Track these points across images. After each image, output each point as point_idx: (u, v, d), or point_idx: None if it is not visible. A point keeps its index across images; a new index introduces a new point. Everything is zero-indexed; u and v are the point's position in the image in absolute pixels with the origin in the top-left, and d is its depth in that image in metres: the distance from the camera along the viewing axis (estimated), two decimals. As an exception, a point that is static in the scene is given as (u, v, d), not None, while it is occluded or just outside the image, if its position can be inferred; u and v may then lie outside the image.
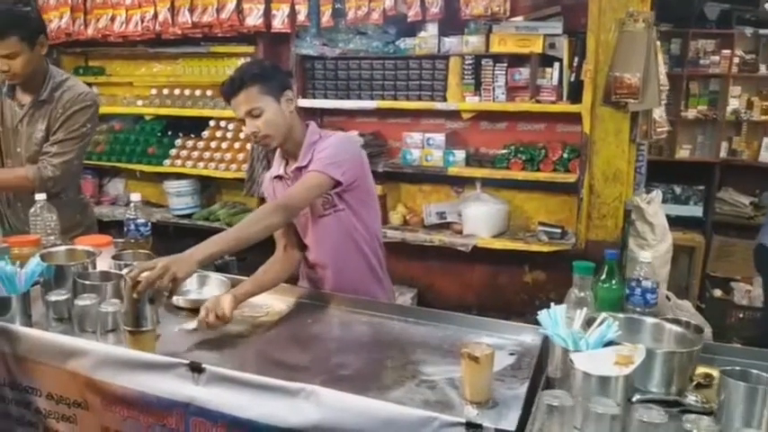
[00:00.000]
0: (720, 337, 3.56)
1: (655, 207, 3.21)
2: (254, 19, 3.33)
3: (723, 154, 5.05)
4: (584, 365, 1.34)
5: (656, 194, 3.26)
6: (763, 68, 4.99)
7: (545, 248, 3.17)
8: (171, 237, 4.05)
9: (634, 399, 1.38)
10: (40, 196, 2.18)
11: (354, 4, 3.15)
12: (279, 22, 3.31)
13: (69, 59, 4.37)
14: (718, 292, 4.73)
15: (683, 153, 5.13)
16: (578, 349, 1.42)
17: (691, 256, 4.85)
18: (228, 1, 3.36)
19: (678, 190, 5.17)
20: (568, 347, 1.44)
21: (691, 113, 5.06)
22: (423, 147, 3.39)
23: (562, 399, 1.21)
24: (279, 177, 2.10)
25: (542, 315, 1.52)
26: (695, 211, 5.13)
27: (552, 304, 1.53)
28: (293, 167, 2.04)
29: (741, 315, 4.54)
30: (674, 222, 3.55)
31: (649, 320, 1.66)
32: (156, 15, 3.57)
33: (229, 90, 1.93)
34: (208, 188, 4.15)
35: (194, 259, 1.66)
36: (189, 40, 3.73)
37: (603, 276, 1.80)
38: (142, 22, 3.62)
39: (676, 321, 1.66)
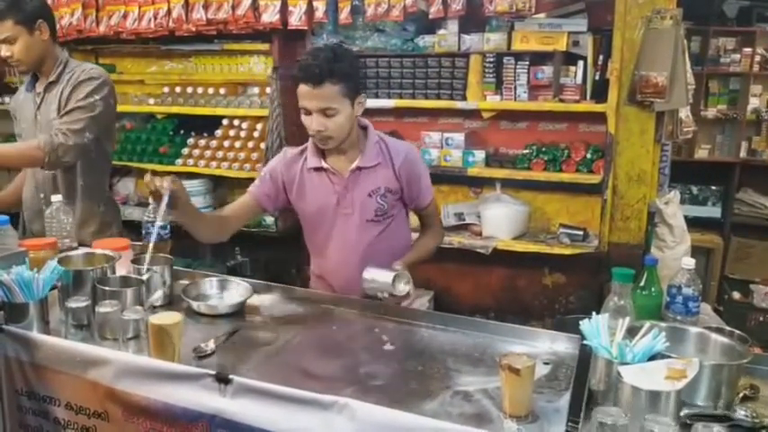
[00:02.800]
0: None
1: (673, 208, 3.13)
2: (270, 15, 3.26)
3: (743, 154, 4.98)
4: (633, 379, 1.27)
5: (675, 195, 3.18)
6: (783, 67, 4.91)
7: (566, 251, 3.10)
8: (182, 236, 3.99)
9: (682, 413, 1.32)
10: (56, 197, 2.13)
11: (374, 1, 3.08)
12: (296, 19, 3.24)
13: (79, 57, 4.28)
14: (736, 295, 4.68)
15: (701, 153, 5.05)
16: (624, 361, 1.36)
17: (708, 258, 4.79)
18: (244, -3, 3.30)
19: (695, 190, 5.10)
20: (613, 359, 1.38)
21: (710, 112, 4.99)
22: (441, 146, 3.32)
23: (616, 417, 1.14)
24: (318, 169, 2.01)
25: (584, 325, 1.45)
26: (713, 212, 5.07)
27: (594, 313, 1.48)
28: (353, 166, 1.97)
29: (761, 318, 4.48)
30: (692, 223, 3.49)
31: (693, 330, 1.59)
32: (169, 12, 3.51)
33: (311, 79, 1.79)
34: (220, 188, 4.10)
35: None
36: (202, 38, 3.66)
37: (642, 283, 1.74)
38: (155, 18, 3.56)
39: (721, 331, 1.60)
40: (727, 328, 1.62)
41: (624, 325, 1.44)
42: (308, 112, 1.85)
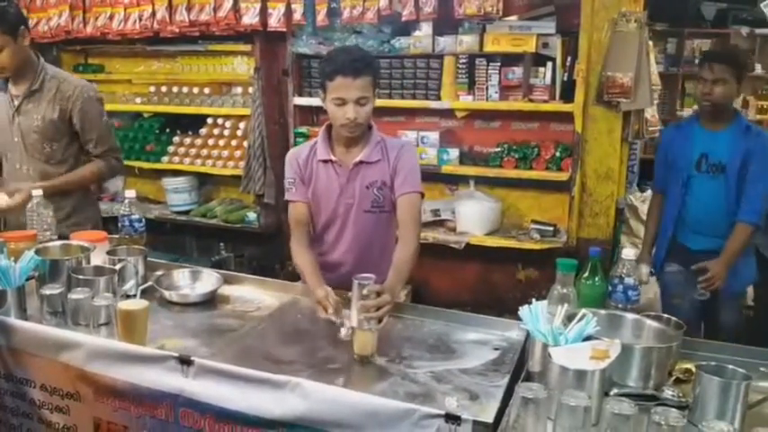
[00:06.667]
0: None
1: (648, 205, 3.23)
2: (250, 18, 3.36)
3: (718, 153, 5.07)
4: (562, 360, 1.37)
5: (651, 193, 3.28)
6: (758, 68, 5.01)
7: (537, 246, 3.20)
8: (168, 233, 4.10)
9: (611, 393, 1.42)
10: (37, 192, 2.22)
11: (349, 4, 3.18)
12: (275, 21, 3.34)
13: (69, 57, 4.41)
14: (712, 291, 4.75)
15: (678, 152, 5.14)
16: (557, 344, 1.45)
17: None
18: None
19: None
20: (548, 342, 1.47)
21: (686, 113, 5.08)
22: (417, 145, 3.41)
23: (536, 391, 1.24)
24: (326, 161, 2.13)
25: (523, 311, 1.56)
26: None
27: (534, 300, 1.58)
28: (356, 160, 2.09)
29: (735, 313, 4.56)
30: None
31: (630, 316, 1.69)
32: (153, 14, 3.60)
33: (352, 71, 1.95)
34: (205, 185, 4.19)
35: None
36: (186, 39, 3.76)
37: (587, 273, 1.84)
38: (140, 20, 3.66)
39: (657, 318, 1.70)
40: (665, 316, 1.71)
41: (563, 311, 1.54)
42: (343, 103, 1.99)
